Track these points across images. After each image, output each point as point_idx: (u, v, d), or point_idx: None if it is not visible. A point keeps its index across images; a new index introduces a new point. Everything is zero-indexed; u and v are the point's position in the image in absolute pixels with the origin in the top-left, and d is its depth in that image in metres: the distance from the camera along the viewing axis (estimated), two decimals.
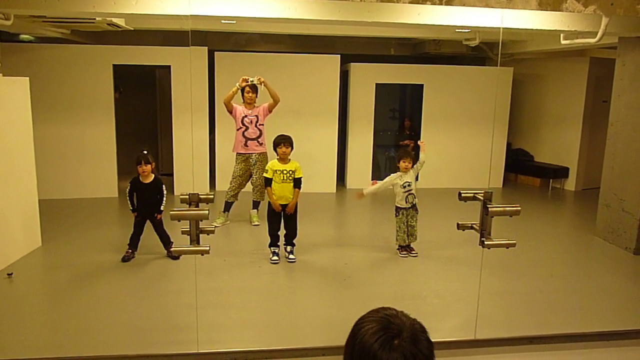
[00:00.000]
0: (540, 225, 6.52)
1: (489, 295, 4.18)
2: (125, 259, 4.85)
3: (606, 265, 5.16)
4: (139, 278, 4.55)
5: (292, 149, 5.02)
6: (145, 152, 4.96)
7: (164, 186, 4.97)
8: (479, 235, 2.79)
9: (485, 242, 2.75)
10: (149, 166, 4.87)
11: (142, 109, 9.08)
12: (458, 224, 2.87)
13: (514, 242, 2.78)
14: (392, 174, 5.13)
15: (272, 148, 5.11)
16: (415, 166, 5.08)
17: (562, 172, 8.58)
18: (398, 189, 5.06)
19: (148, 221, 4.95)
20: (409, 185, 5.06)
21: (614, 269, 5.07)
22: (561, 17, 4.82)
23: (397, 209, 5.12)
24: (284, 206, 4.96)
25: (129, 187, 4.91)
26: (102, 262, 4.86)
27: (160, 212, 4.89)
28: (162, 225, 4.97)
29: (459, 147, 8.41)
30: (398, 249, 5.20)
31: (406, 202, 5.06)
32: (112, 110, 7.16)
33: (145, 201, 4.88)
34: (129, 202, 4.90)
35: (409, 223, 5.11)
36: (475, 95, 8.26)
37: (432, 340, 1.19)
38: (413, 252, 5.15)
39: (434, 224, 6.36)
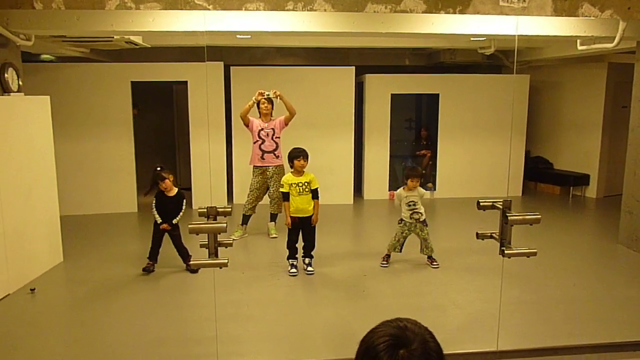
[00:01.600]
0: (562, 233, 6.41)
1: (510, 306, 4.12)
2: (146, 270, 4.89)
3: (630, 274, 5.05)
4: (158, 292, 4.58)
5: (307, 161, 5.04)
6: (158, 168, 5.01)
7: (184, 200, 5.02)
8: (498, 244, 2.75)
9: (506, 252, 2.71)
10: (168, 181, 4.93)
11: (160, 124, 9.21)
12: (477, 234, 2.83)
13: (535, 251, 2.73)
14: (399, 191, 5.15)
15: (287, 161, 5.14)
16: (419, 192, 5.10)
17: (582, 180, 8.45)
18: (404, 205, 5.09)
19: (167, 234, 5.00)
20: (414, 205, 5.06)
21: (638, 277, 4.96)
22: (577, 22, 4.79)
23: (401, 219, 5.15)
24: (302, 219, 4.96)
25: (154, 201, 4.97)
26: (122, 276, 4.90)
27: (172, 224, 4.92)
28: (180, 239, 5.01)
29: (477, 156, 8.34)
30: (383, 258, 5.19)
31: (411, 218, 5.08)
32: (131, 126, 7.27)
33: (167, 213, 4.94)
34: (155, 214, 4.95)
35: (422, 236, 5.10)
36: (491, 103, 8.21)
37: (453, 352, 1.16)
38: (435, 263, 5.11)
39: (452, 233, 6.31)
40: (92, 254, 5.56)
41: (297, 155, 4.99)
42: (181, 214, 4.97)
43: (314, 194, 4.97)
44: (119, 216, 7.16)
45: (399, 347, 1.10)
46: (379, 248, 5.41)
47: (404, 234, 5.13)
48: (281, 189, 5.06)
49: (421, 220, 5.09)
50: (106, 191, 7.26)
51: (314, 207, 4.98)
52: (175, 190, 4.99)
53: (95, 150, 7.18)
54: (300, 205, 4.92)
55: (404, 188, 5.13)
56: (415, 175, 5.13)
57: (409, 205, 5.07)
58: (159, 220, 4.92)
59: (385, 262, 5.16)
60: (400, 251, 5.18)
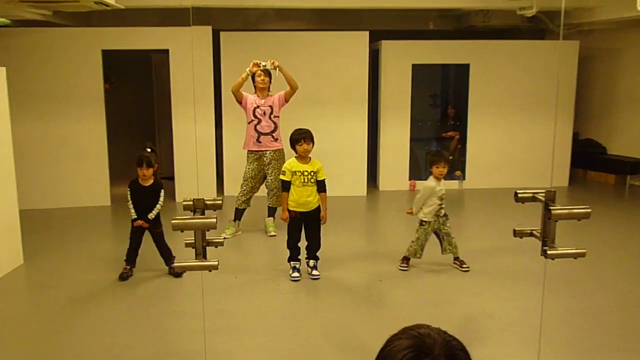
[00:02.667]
0: (616, 230, 6.41)
1: (554, 315, 4.13)
2: (123, 277, 4.91)
3: None
4: (136, 299, 4.62)
5: (313, 145, 5.02)
6: (149, 150, 5.02)
7: (162, 191, 5.03)
8: (540, 243, 2.76)
9: (548, 252, 2.71)
10: (151, 170, 4.93)
11: (137, 101, 9.23)
12: (515, 231, 2.83)
13: (584, 251, 2.73)
14: (428, 182, 5.09)
15: (289, 145, 5.13)
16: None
17: None
18: (433, 200, 5.02)
19: (147, 232, 5.02)
20: (442, 199, 5.04)
21: None
22: None
23: (423, 221, 5.09)
24: (304, 214, 4.98)
25: (129, 192, 4.98)
26: (93, 280, 4.94)
27: (148, 219, 4.92)
28: (163, 237, 5.03)
29: (514, 139, 8.33)
30: (402, 260, 5.19)
31: (435, 216, 5.05)
32: (102, 104, 7.29)
33: (144, 207, 4.95)
34: (131, 209, 4.95)
35: (444, 231, 5.09)
36: (532, 75, 8.17)
37: None
38: (464, 265, 5.11)
39: (485, 231, 6.31)
40: (58, 255, 5.61)
41: (299, 138, 4.96)
42: (158, 206, 4.96)
43: (321, 186, 4.97)
44: (89, 210, 7.20)
45: (421, 357, 1.14)
46: (397, 248, 5.42)
47: (427, 237, 5.13)
48: (281, 177, 5.05)
49: (443, 214, 5.10)
50: (73, 181, 7.29)
51: (320, 201, 4.99)
52: (152, 180, 4.99)
53: (60, 132, 7.21)
54: (303, 198, 4.92)
55: (433, 178, 5.08)
56: (443, 159, 5.10)
57: (441, 199, 5.03)
58: (134, 216, 4.93)
59: (404, 265, 5.18)
60: (420, 257, 5.18)
